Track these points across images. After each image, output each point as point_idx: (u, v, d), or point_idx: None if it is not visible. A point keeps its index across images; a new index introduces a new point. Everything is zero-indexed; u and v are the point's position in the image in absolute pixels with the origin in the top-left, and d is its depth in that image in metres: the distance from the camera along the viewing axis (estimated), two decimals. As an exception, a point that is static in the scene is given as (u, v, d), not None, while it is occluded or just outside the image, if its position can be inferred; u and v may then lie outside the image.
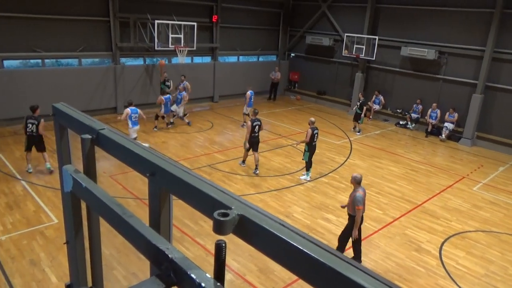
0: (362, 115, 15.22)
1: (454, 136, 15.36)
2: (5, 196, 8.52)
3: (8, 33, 12.75)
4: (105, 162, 9.61)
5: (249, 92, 14.72)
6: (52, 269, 6.24)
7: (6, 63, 13.18)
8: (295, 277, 6.11)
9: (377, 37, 16.93)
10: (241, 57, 20.34)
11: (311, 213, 8.75)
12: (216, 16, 17.78)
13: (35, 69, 13.82)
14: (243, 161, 11.17)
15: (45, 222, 7.61)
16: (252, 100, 14.81)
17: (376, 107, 17.59)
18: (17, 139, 12.10)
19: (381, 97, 17.45)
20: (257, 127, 10.66)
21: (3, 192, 8.68)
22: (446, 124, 15.33)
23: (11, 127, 13.07)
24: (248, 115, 14.37)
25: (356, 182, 6.89)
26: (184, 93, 14.33)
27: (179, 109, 14.38)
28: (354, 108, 15.68)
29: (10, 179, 9.34)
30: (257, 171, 10.71)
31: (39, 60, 13.89)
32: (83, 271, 2.13)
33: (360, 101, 15.18)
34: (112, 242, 6.57)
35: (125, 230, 1.41)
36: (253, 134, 10.63)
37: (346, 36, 17.88)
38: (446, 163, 12.85)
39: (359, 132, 15.28)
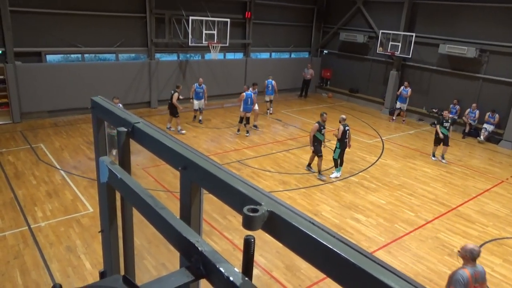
0: (449, 134, 12.13)
1: (494, 138, 14.67)
2: (46, 184, 8.94)
3: (51, 29, 13.33)
4: (138, 155, 9.89)
5: (266, 81, 15.93)
6: (87, 256, 6.50)
7: (49, 57, 13.79)
8: (322, 276, 6.06)
9: (414, 34, 16.41)
10: (273, 54, 20.29)
11: (340, 212, 8.64)
12: (249, 12, 17.81)
13: (75, 63, 14.38)
14: (309, 165, 10.81)
15: (81, 210, 7.93)
16: (270, 89, 15.96)
17: (403, 105, 16.52)
18: (57, 130, 12.67)
19: (409, 90, 16.21)
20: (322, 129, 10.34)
21: (44, 180, 9.12)
22: (485, 125, 14.67)
23: (52, 118, 13.70)
24: (270, 102, 16.24)
25: (471, 257, 4.54)
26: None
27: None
28: (438, 128, 12.09)
29: (50, 169, 9.79)
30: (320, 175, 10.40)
31: (79, 55, 14.44)
32: (116, 259, 2.20)
33: (450, 120, 12.20)
34: (143, 232, 6.77)
35: (157, 222, 1.45)
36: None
37: (381, 33, 17.45)
38: (483, 166, 12.30)
39: (444, 159, 12.22)
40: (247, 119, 13.19)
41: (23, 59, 12.96)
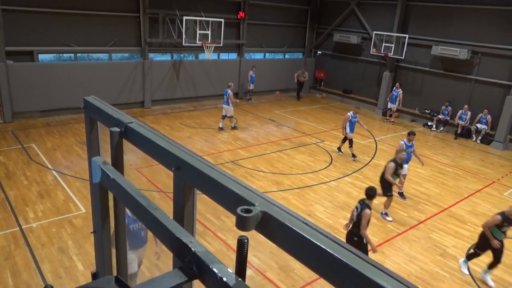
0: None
1: (486, 139, 14.82)
2: (37, 185, 8.86)
3: (43, 28, 13.20)
4: (131, 155, 9.84)
5: (250, 72, 17.96)
6: (79, 257, 6.44)
7: (41, 56, 13.66)
8: (315, 276, 6.08)
9: (407, 36, 16.53)
10: (267, 54, 20.31)
11: (333, 213, 8.66)
12: (243, 12, 17.81)
13: (68, 62, 14.26)
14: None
15: (74, 211, 7.87)
16: (252, 78, 18.05)
17: (393, 106, 16.73)
18: (49, 130, 12.56)
19: (401, 91, 16.41)
20: None
21: (35, 181, 9.03)
22: (478, 125, 14.85)
23: (44, 118, 13.58)
24: (251, 91, 18.52)
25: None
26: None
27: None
28: None
29: (42, 169, 9.70)
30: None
31: (72, 54, 14.33)
32: (109, 260, 2.19)
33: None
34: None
35: (150, 222, 1.44)
36: None
37: (375, 34, 17.55)
38: (475, 167, 12.42)
39: None
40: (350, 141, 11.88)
41: (15, 58, 12.83)
